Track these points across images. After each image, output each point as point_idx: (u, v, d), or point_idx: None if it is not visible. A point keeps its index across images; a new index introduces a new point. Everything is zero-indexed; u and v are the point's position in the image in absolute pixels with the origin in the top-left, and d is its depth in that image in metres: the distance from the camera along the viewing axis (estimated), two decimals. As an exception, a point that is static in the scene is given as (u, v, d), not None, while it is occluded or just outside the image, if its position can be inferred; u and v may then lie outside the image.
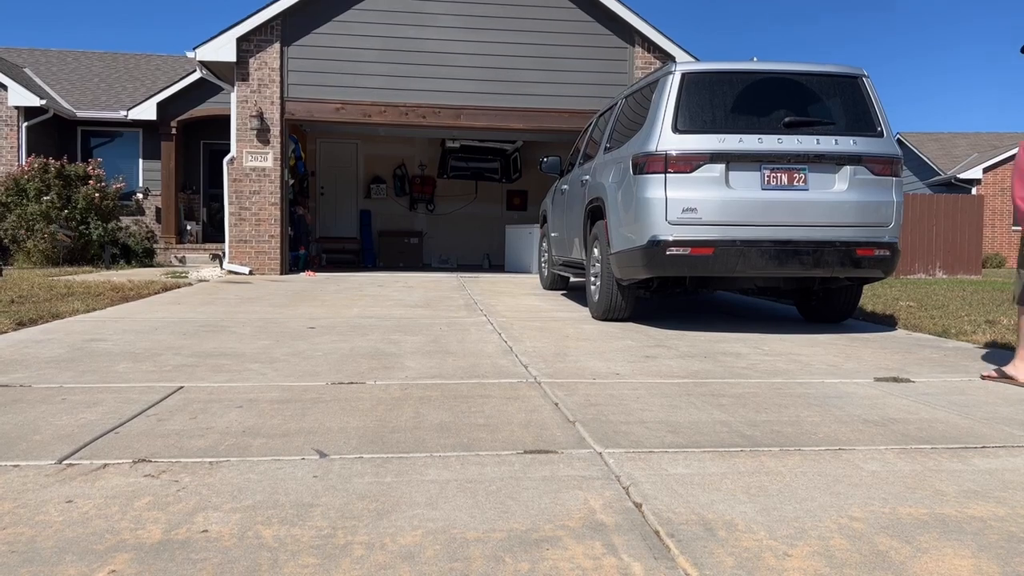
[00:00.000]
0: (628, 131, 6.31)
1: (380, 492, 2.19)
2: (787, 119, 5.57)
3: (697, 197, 5.42)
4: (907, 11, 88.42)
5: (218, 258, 13.64)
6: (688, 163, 5.46)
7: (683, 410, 3.24)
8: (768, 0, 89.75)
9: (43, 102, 15.53)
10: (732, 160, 5.45)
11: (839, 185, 5.56)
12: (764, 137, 5.50)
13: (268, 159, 11.87)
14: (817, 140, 5.53)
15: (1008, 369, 4.03)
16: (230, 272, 11.86)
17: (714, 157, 5.45)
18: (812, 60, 5.96)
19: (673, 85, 5.66)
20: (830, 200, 5.53)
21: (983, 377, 4.10)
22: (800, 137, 5.50)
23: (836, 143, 5.55)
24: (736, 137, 5.48)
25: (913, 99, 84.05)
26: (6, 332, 5.17)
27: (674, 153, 5.46)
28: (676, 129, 5.54)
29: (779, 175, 5.50)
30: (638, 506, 2.11)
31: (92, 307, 6.62)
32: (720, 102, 5.71)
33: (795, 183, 5.51)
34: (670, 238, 5.40)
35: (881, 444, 2.77)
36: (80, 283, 8.82)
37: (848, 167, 5.55)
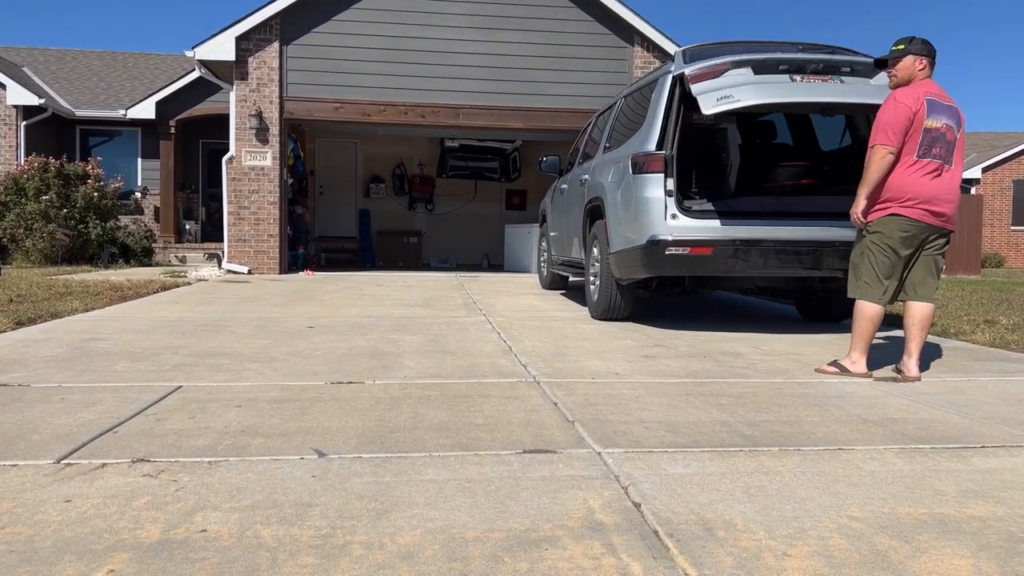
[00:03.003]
0: (627, 131, 6.30)
1: (379, 492, 2.19)
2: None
3: None
4: (907, 11, 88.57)
5: (217, 257, 13.63)
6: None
7: (682, 410, 3.24)
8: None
9: (42, 101, 15.50)
10: None
11: None
12: None
13: (267, 158, 11.86)
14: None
15: (844, 362, 4.16)
16: (229, 271, 11.84)
17: None
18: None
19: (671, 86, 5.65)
20: None
21: (817, 371, 4.22)
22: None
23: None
24: None
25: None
26: (5, 331, 5.17)
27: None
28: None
29: None
30: (637, 506, 2.11)
31: (91, 306, 6.61)
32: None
33: None
34: (669, 238, 5.39)
35: (880, 444, 2.77)
36: (79, 282, 8.81)
37: None
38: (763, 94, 5.16)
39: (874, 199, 4.01)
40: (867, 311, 4.08)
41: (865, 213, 4.06)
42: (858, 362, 4.10)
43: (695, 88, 5.24)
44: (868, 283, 4.09)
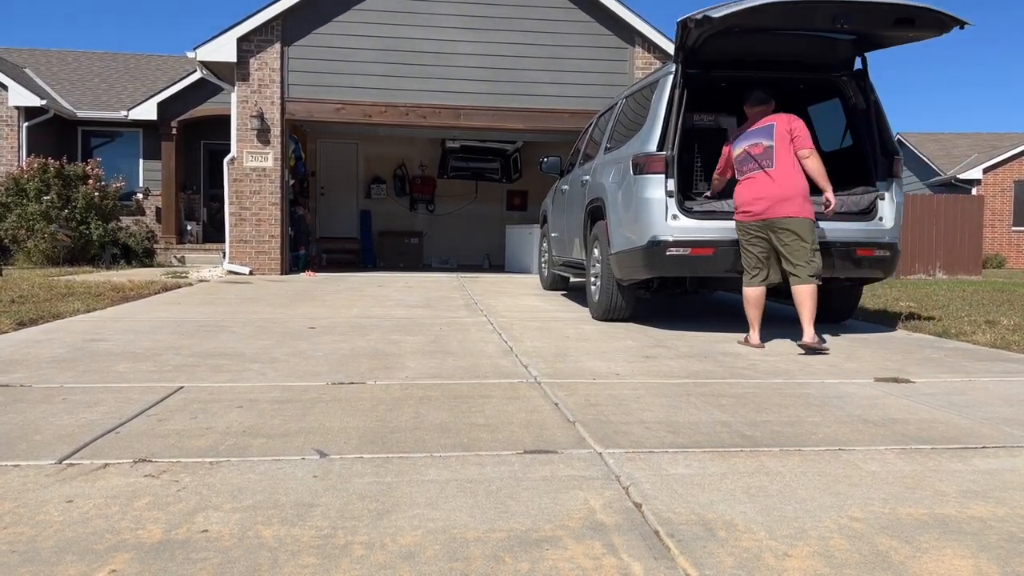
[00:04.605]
0: (628, 131, 6.31)
1: (380, 492, 2.19)
2: None
3: None
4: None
5: (218, 258, 13.64)
6: None
7: (683, 410, 3.24)
8: None
9: (43, 102, 15.52)
10: None
11: None
12: None
13: (268, 159, 11.87)
14: None
15: (746, 337, 5.13)
16: (230, 272, 11.85)
17: None
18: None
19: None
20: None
21: (739, 343, 5.12)
22: None
23: None
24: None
25: (913, 99, 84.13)
26: (7, 332, 5.17)
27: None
28: None
29: None
30: (638, 506, 2.11)
31: (92, 307, 6.62)
32: None
33: None
34: (670, 238, 5.40)
35: (881, 444, 2.77)
36: (80, 283, 8.82)
37: None
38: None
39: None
40: (745, 293, 5.15)
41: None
42: (752, 336, 5.09)
43: (699, 15, 5.05)
44: (745, 271, 5.12)
